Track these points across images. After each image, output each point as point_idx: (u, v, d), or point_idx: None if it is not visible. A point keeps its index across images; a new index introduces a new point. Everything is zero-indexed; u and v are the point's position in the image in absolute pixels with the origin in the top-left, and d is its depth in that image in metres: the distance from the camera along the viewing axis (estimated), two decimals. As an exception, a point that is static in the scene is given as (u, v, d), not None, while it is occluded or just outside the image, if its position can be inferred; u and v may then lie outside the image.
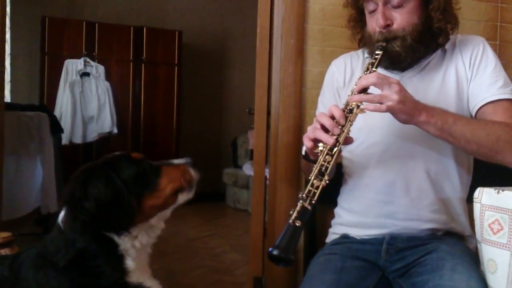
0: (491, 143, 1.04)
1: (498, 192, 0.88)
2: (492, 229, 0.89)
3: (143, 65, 4.74)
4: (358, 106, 1.01)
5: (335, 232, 1.27)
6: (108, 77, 4.50)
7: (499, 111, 1.10)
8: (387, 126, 1.14)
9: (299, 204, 0.92)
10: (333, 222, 1.30)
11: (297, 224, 0.89)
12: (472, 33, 1.50)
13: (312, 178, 0.95)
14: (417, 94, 1.04)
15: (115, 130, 4.46)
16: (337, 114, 1.00)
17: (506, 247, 0.86)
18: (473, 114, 1.16)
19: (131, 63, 4.71)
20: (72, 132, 4.23)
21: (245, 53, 5.38)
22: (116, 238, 0.94)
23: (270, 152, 1.72)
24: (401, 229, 1.15)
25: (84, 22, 4.51)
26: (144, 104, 4.76)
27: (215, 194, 5.10)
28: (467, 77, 1.18)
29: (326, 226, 1.36)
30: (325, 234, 1.35)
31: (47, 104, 4.13)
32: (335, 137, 0.98)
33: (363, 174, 1.21)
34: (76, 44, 4.46)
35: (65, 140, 3.98)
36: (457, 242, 1.15)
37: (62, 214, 0.95)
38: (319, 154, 0.99)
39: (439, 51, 1.21)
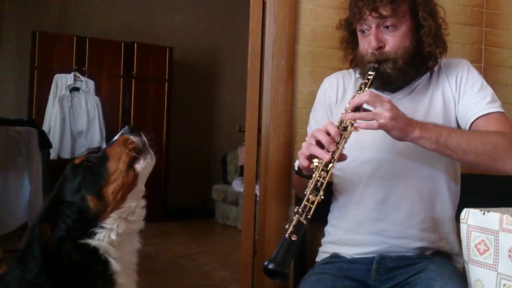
0: (489, 151, 1.05)
1: (483, 213, 0.90)
2: (478, 250, 0.91)
3: (133, 80, 4.75)
4: (352, 124, 1.03)
5: (325, 251, 1.28)
6: (98, 92, 4.50)
7: (492, 122, 1.12)
8: (378, 144, 1.17)
9: (295, 219, 0.93)
10: (323, 240, 1.31)
11: (293, 238, 0.89)
12: (458, 56, 1.55)
13: (308, 193, 0.97)
14: (406, 114, 1.07)
15: (104, 145, 4.43)
16: (333, 131, 1.02)
17: (492, 267, 0.88)
18: (466, 129, 1.18)
19: (122, 79, 4.71)
20: (60, 146, 4.21)
21: (236, 70, 5.43)
22: (90, 241, 0.93)
23: (261, 170, 1.73)
24: (391, 247, 1.16)
25: (74, 37, 4.52)
26: (134, 120, 4.75)
27: (204, 210, 5.08)
28: (454, 98, 1.21)
29: (316, 244, 1.37)
30: (315, 252, 1.36)
31: (35, 118, 4.10)
32: (330, 153, 1.00)
33: (354, 192, 1.22)
34: (66, 59, 4.45)
35: (53, 155, 3.95)
36: (445, 262, 1.16)
37: None
38: (314, 170, 1.00)
39: (428, 74, 1.25)
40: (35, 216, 0.97)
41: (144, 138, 1.05)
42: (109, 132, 4.51)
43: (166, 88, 4.90)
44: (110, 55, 4.67)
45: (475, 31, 1.82)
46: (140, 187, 1.02)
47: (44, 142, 3.10)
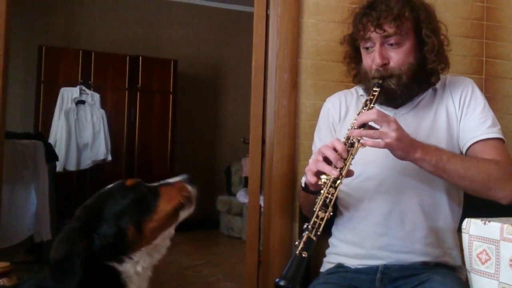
0: (483, 180, 1.09)
1: (484, 223, 0.92)
2: (480, 259, 0.92)
3: (138, 93, 4.79)
4: (358, 141, 1.05)
5: (330, 261, 1.29)
6: (103, 105, 4.54)
7: (488, 149, 1.15)
8: (381, 160, 1.18)
9: (305, 235, 0.94)
10: (327, 251, 1.33)
11: (304, 255, 0.91)
12: (460, 68, 1.57)
13: (317, 210, 0.98)
14: (410, 130, 1.09)
15: (109, 158, 4.47)
16: (340, 147, 1.04)
17: (494, 276, 0.89)
18: (464, 150, 1.20)
19: (127, 91, 4.76)
20: (66, 159, 4.23)
21: (239, 82, 5.48)
22: (117, 265, 0.94)
23: (265, 181, 1.75)
24: (396, 260, 1.18)
25: (80, 51, 4.58)
26: (138, 132, 4.79)
27: (209, 221, 5.08)
28: (457, 116, 1.23)
29: (320, 255, 1.38)
30: (319, 263, 1.37)
31: (41, 131, 4.15)
32: (338, 169, 1.02)
33: (359, 207, 1.24)
34: (72, 73, 4.51)
35: (59, 167, 3.98)
36: (449, 272, 1.18)
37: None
38: (322, 186, 1.02)
39: (430, 90, 1.27)
40: (71, 224, 0.95)
41: (196, 191, 1.08)
42: (114, 144, 4.55)
43: (170, 100, 4.95)
44: (115, 68, 4.72)
45: (475, 44, 1.85)
46: (172, 230, 1.05)
47: (51, 155, 3.13)
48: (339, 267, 1.25)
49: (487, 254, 0.91)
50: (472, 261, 0.94)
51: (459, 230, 1.20)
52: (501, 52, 1.88)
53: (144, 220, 0.97)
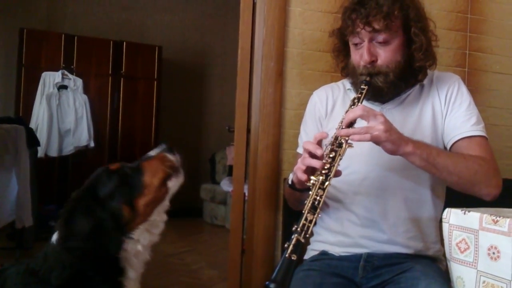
0: (470, 176, 1.11)
1: (464, 213, 0.94)
2: (459, 248, 0.94)
3: (122, 79, 4.73)
4: (346, 141, 1.05)
5: (314, 249, 1.31)
6: (86, 90, 4.47)
7: (474, 146, 1.17)
8: (366, 155, 1.19)
9: (294, 238, 0.93)
10: (312, 239, 1.34)
11: (293, 258, 0.90)
12: (443, 61, 1.59)
13: (306, 212, 0.98)
14: (396, 125, 1.09)
15: (92, 144, 4.42)
16: (319, 137, 1.06)
17: (472, 265, 0.91)
18: (448, 147, 1.22)
19: (110, 77, 4.69)
20: (47, 145, 4.17)
21: (225, 70, 5.44)
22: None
23: (250, 170, 1.76)
24: (378, 250, 1.20)
25: (63, 35, 4.48)
26: (122, 119, 4.74)
27: (192, 209, 5.08)
28: (443, 112, 1.25)
29: (304, 243, 1.39)
30: (303, 250, 1.39)
31: (22, 116, 4.07)
32: (324, 161, 1.02)
33: (344, 199, 1.25)
34: (54, 57, 4.42)
35: (40, 153, 3.92)
36: (430, 263, 1.20)
37: (56, 235, 0.95)
38: (311, 188, 1.02)
39: (417, 86, 1.27)
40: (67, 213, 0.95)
41: (179, 158, 1.07)
42: (97, 131, 4.50)
43: (155, 87, 4.90)
44: (99, 54, 4.64)
45: (459, 37, 1.87)
46: (167, 202, 1.05)
47: (32, 140, 3.08)
48: (323, 254, 1.26)
49: (466, 243, 0.93)
50: (452, 250, 0.96)
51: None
52: (484, 46, 1.90)
53: (135, 197, 0.98)
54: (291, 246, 0.92)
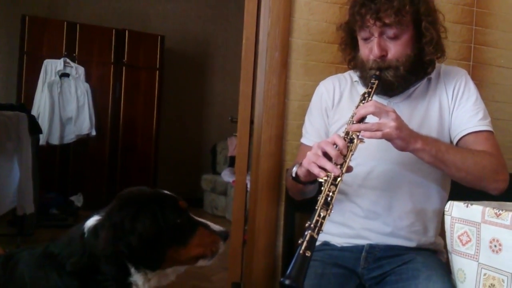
0: (478, 172, 1.11)
1: (467, 206, 0.95)
2: (461, 241, 0.95)
3: (124, 68, 4.72)
4: (358, 136, 1.05)
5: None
6: (88, 79, 4.46)
7: (481, 141, 1.17)
8: (374, 148, 1.19)
9: (308, 234, 0.93)
10: (314, 230, 1.35)
11: (307, 254, 0.91)
12: (448, 54, 1.57)
13: (319, 208, 0.97)
14: (403, 119, 1.09)
15: (94, 132, 4.42)
16: (341, 144, 1.03)
17: (474, 258, 0.92)
18: (455, 141, 1.22)
19: (112, 66, 4.67)
20: (49, 133, 4.17)
21: (227, 60, 5.43)
22: (133, 270, 0.93)
23: (252, 161, 1.76)
24: (380, 241, 1.21)
25: (65, 23, 4.46)
26: (124, 108, 4.73)
27: (193, 200, 5.07)
28: (450, 107, 1.25)
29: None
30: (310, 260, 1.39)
31: (24, 103, 4.07)
32: (339, 166, 1.01)
33: (348, 191, 1.25)
34: (56, 44, 4.40)
35: (42, 140, 3.92)
36: (431, 254, 1.22)
37: (92, 223, 0.95)
38: (323, 184, 1.01)
39: (425, 80, 1.27)
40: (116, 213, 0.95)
41: (223, 249, 1.05)
42: (99, 119, 4.50)
43: (157, 77, 4.89)
44: (101, 42, 4.63)
45: (465, 30, 1.86)
46: (183, 269, 1.04)
47: (34, 127, 3.08)
48: (325, 245, 1.27)
49: (468, 235, 0.94)
50: (454, 242, 0.97)
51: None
52: (489, 39, 1.89)
53: (173, 247, 0.96)
54: (305, 243, 0.92)
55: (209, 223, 1.05)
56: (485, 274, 0.89)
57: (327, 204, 0.98)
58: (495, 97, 1.88)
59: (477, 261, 0.91)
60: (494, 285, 0.87)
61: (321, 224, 0.96)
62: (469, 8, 1.86)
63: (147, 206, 0.95)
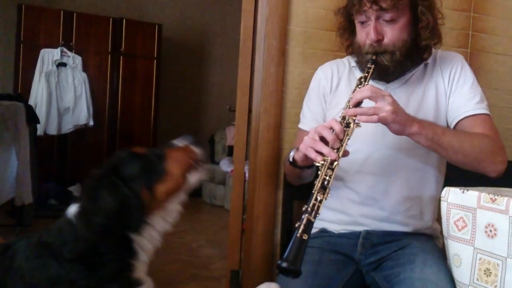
0: (476, 154, 1.11)
1: (463, 192, 0.95)
2: (457, 226, 0.96)
3: (121, 57, 4.70)
4: (354, 121, 1.05)
5: (314, 226, 1.32)
6: (85, 68, 4.44)
7: (478, 124, 1.18)
8: (370, 134, 1.20)
9: (305, 218, 0.94)
10: (311, 216, 1.36)
11: (304, 238, 0.91)
12: (445, 41, 1.57)
13: (316, 192, 0.98)
14: (400, 104, 1.09)
15: (91, 123, 4.41)
16: (337, 128, 1.03)
17: (469, 243, 0.93)
18: (452, 125, 1.23)
19: (109, 55, 4.66)
20: (47, 123, 4.17)
21: (225, 49, 5.41)
22: (132, 235, 0.95)
23: (250, 149, 1.76)
24: (377, 227, 1.22)
25: (62, 12, 4.44)
26: (121, 97, 4.72)
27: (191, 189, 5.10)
28: (446, 92, 1.25)
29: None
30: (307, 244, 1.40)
31: (21, 93, 4.06)
32: (335, 150, 1.02)
33: (345, 177, 1.26)
34: (53, 34, 4.38)
35: (39, 131, 3.92)
36: (427, 239, 1.23)
37: (75, 209, 0.96)
38: (320, 168, 1.02)
39: (421, 65, 1.27)
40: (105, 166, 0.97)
41: (203, 153, 1.07)
42: (96, 109, 4.49)
43: (154, 66, 4.88)
44: (98, 31, 4.61)
45: (462, 17, 1.85)
46: (184, 194, 1.05)
47: (32, 118, 3.08)
48: (322, 231, 1.28)
49: (464, 221, 0.95)
50: (450, 227, 0.98)
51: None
52: (487, 26, 1.89)
53: (155, 183, 0.98)
54: (302, 226, 0.92)
55: (173, 142, 1.06)
56: (480, 259, 0.90)
57: (323, 188, 0.99)
58: (492, 84, 1.88)
59: (473, 246, 0.92)
60: (489, 269, 0.88)
61: (318, 207, 0.96)
62: (467, -5, 1.85)
63: (104, 182, 0.95)
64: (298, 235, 0.92)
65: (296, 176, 1.25)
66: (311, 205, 0.96)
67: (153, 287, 1.03)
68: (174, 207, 1.03)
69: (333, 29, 1.41)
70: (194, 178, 1.05)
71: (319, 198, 0.97)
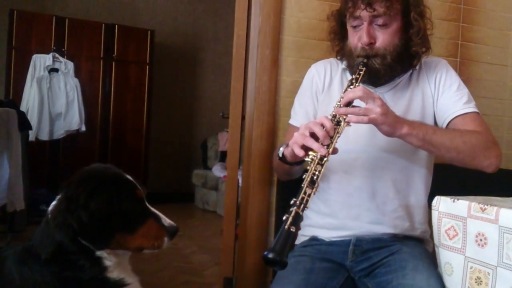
0: (468, 150, 1.13)
1: (453, 201, 0.97)
2: (448, 235, 0.98)
3: (113, 63, 4.69)
4: (344, 119, 1.07)
5: (304, 234, 1.34)
6: (77, 74, 4.42)
7: (468, 122, 1.20)
8: (360, 136, 1.22)
9: (293, 210, 0.95)
10: (302, 224, 1.37)
11: (292, 230, 0.93)
12: (436, 51, 1.61)
13: (305, 186, 0.99)
14: None
15: (83, 128, 4.39)
16: (328, 125, 1.05)
17: (460, 251, 0.95)
18: (444, 127, 1.25)
19: (102, 61, 4.65)
20: (38, 128, 4.14)
21: (217, 55, 5.42)
22: (91, 247, 0.96)
23: (244, 156, 1.78)
24: (366, 231, 1.23)
25: (54, 17, 4.42)
26: (113, 103, 4.71)
27: (184, 195, 5.11)
28: (433, 96, 1.28)
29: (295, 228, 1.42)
30: (294, 236, 1.41)
31: (12, 99, 4.03)
32: (325, 147, 1.03)
33: (333, 179, 1.28)
34: (45, 39, 4.36)
35: (31, 136, 3.89)
36: (417, 244, 1.24)
37: (53, 204, 0.97)
38: (310, 163, 1.03)
39: (409, 72, 1.30)
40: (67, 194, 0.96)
41: (168, 244, 1.05)
42: (89, 115, 4.47)
43: (147, 72, 4.87)
44: (90, 37, 4.59)
45: (452, 27, 1.89)
46: (130, 253, 1.06)
47: (24, 124, 3.06)
48: (313, 239, 1.29)
49: (455, 230, 0.96)
50: (441, 236, 0.99)
51: (428, 206, 1.27)
52: (476, 36, 1.92)
53: (120, 231, 0.98)
54: (290, 218, 0.94)
55: (162, 216, 1.06)
56: (471, 267, 0.92)
57: (313, 183, 1.00)
58: (481, 93, 1.91)
59: (464, 254, 0.94)
60: (480, 278, 0.90)
61: (307, 201, 0.98)
62: (456, 5, 1.89)
63: (105, 186, 0.96)
64: (286, 227, 0.93)
65: (285, 172, 1.27)
66: (299, 198, 0.98)
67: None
68: (121, 254, 1.03)
69: (325, 39, 1.43)
70: (145, 252, 1.04)
71: (308, 192, 0.99)
